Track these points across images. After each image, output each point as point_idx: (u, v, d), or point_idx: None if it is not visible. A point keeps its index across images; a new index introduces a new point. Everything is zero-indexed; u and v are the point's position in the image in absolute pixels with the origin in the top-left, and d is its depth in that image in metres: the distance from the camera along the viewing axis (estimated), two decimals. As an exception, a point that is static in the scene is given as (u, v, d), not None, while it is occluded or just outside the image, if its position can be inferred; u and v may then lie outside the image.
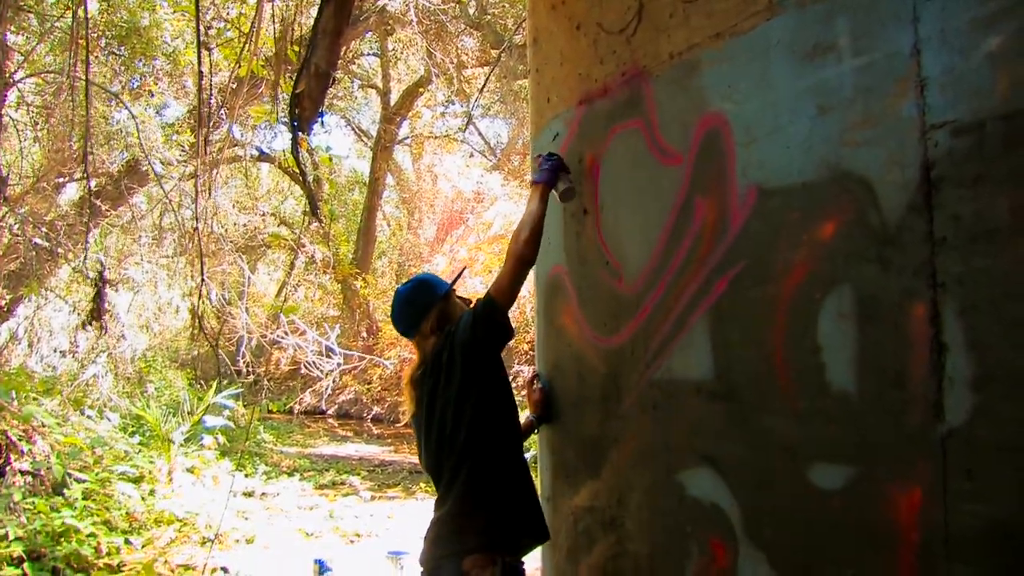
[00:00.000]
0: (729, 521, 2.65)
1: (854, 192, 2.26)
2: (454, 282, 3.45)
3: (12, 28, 11.82)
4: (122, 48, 14.05)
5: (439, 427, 3.13)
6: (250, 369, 15.37)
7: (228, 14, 13.13)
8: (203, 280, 8.83)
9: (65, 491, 7.87)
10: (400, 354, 23.17)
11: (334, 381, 17.55)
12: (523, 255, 3.07)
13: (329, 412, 22.17)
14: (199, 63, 6.96)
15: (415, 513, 10.34)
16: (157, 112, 14.98)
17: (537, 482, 3.48)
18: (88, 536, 7.26)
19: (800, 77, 2.45)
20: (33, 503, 7.36)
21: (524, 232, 3.08)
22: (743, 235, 2.62)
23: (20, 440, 7.92)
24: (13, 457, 7.69)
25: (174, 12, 13.81)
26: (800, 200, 2.43)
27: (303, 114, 4.88)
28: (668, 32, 2.99)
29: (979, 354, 1.93)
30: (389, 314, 3.44)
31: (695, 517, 2.80)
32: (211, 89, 8.62)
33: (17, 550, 6.62)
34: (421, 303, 3.32)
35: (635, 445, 3.11)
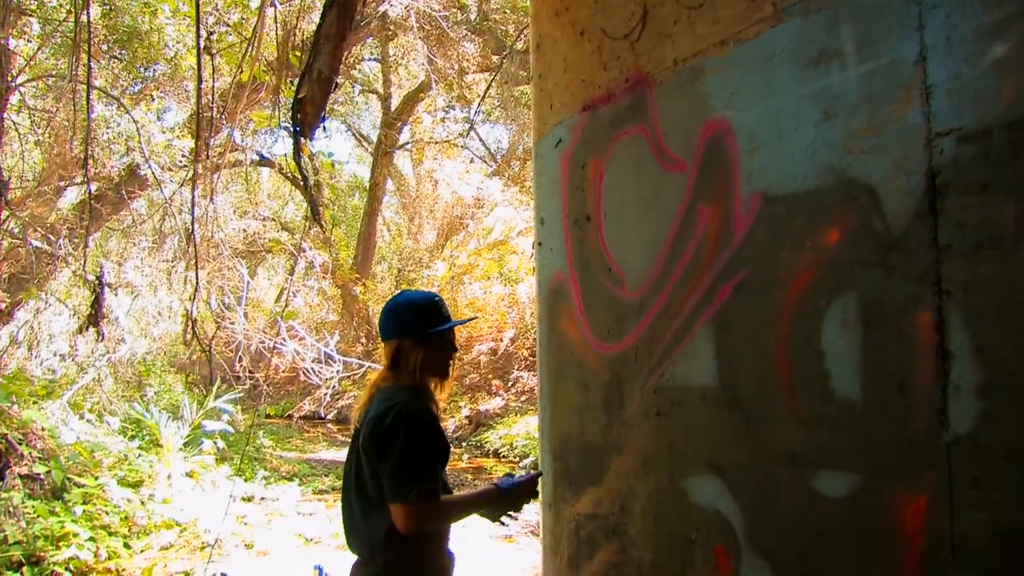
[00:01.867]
0: (733, 528, 2.64)
1: (859, 199, 2.26)
2: (439, 327, 3.08)
3: (14, 32, 11.82)
4: (123, 53, 14.06)
5: (357, 484, 2.98)
6: (249, 374, 15.36)
7: (230, 19, 13.15)
8: (197, 286, 8.83)
9: (65, 495, 7.86)
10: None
11: (333, 388, 17.52)
12: (439, 524, 2.96)
13: (328, 417, 22.15)
14: (199, 68, 6.97)
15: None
16: (158, 117, 14.98)
17: (539, 488, 3.45)
18: (87, 541, 7.24)
19: (804, 84, 2.45)
20: (32, 507, 7.34)
21: (455, 517, 3.04)
22: (747, 242, 2.62)
23: (20, 444, 7.91)
24: (12, 461, 7.68)
25: (175, 17, 13.83)
26: (804, 207, 2.43)
27: (305, 119, 4.88)
28: (672, 38, 2.99)
29: (984, 362, 1.93)
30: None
31: (699, 524, 2.79)
32: (212, 94, 8.63)
33: (16, 554, 6.61)
34: (387, 328, 3.10)
35: (638, 452, 3.11)
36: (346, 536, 3.03)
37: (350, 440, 3.09)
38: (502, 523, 3.23)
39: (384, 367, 3.08)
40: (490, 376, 20.35)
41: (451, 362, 3.17)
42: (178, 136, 13.75)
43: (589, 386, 3.43)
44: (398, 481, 2.77)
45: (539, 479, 3.16)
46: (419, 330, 3.01)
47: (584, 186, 3.46)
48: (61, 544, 7.05)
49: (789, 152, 2.49)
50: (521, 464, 13.77)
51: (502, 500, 3.05)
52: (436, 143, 26.29)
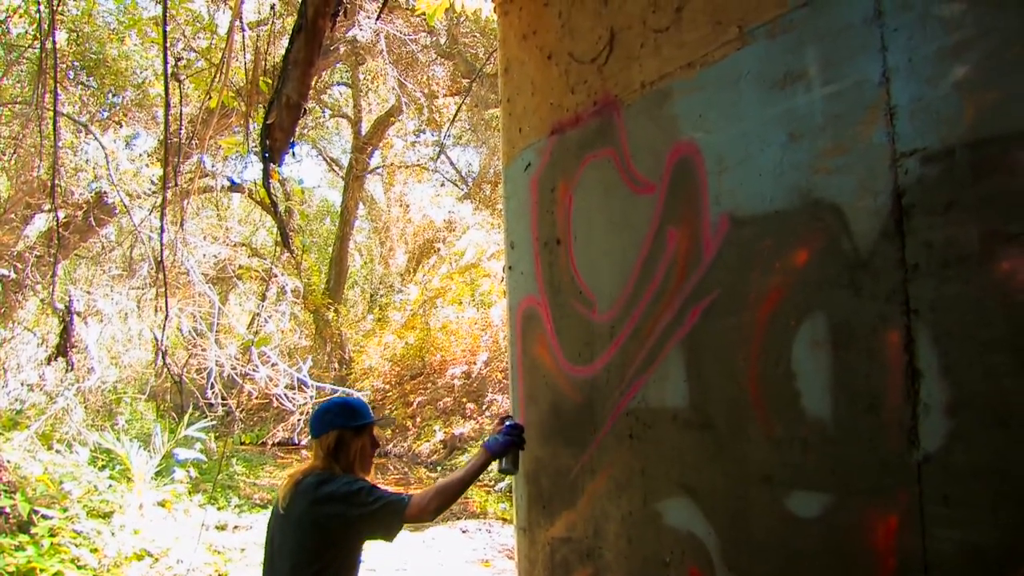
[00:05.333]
0: (707, 550, 2.63)
1: (826, 219, 2.27)
2: (370, 422, 3.49)
3: (-21, 59, 11.75)
4: (91, 79, 13.97)
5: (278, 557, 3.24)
6: (222, 401, 15.22)
7: (198, 45, 13.11)
8: (167, 314, 8.75)
9: (31, 528, 7.72)
10: (374, 384, 23.09)
11: (306, 414, 17.39)
12: (445, 505, 3.22)
13: (303, 443, 21.98)
14: (167, 94, 6.93)
15: (388, 545, 10.22)
16: (127, 143, 14.88)
17: (513, 512, 3.48)
18: (54, 575, 7.12)
19: (771, 105, 2.47)
20: (-3, 542, 7.21)
21: (456, 487, 3.23)
22: (716, 264, 2.63)
23: (-15, 477, 7.78)
24: (-22, 495, 7.55)
25: (143, 43, 13.77)
26: (772, 228, 2.44)
27: (274, 145, 4.86)
28: (640, 61, 3.01)
29: (953, 380, 1.94)
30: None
31: (673, 546, 2.78)
32: (181, 120, 8.59)
33: (-19, 591, 6.48)
34: (328, 420, 3.40)
35: (611, 474, 3.10)
36: None
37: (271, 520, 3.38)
38: (513, 465, 3.41)
39: (320, 458, 3.33)
40: (464, 399, 20.29)
41: (373, 454, 3.54)
42: (147, 164, 13.66)
43: (561, 409, 3.42)
44: (387, 509, 3.13)
45: (520, 429, 3.41)
46: (357, 421, 3.38)
47: (554, 209, 3.47)
48: (28, 580, 6.93)
49: (756, 173, 2.50)
50: (497, 487, 13.70)
51: (496, 453, 3.34)
52: (407, 167, 26.32)
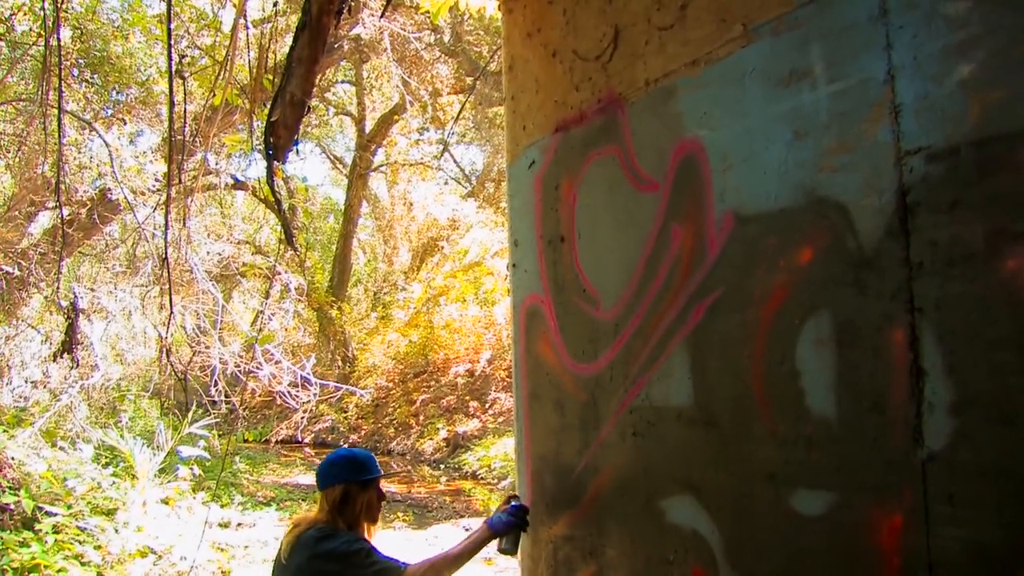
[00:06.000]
0: (711, 548, 2.63)
1: (831, 217, 2.27)
2: (377, 476, 3.55)
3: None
4: (95, 76, 13.99)
5: None
6: (225, 399, 15.24)
7: (202, 42, 13.12)
8: (172, 311, 8.75)
9: (35, 525, 7.74)
10: (377, 382, 23.11)
11: (310, 411, 17.42)
12: None
13: (306, 441, 21.99)
14: (171, 91, 6.93)
15: (392, 543, 10.24)
16: (131, 140, 14.89)
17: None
18: (58, 572, 7.14)
19: (775, 103, 2.46)
20: (1, 538, 7.23)
21: (452, 563, 3.35)
22: (721, 261, 2.63)
23: (-11, 474, 7.79)
24: (-18, 492, 7.57)
25: (147, 40, 13.78)
26: (777, 226, 2.43)
27: (278, 142, 4.86)
28: (644, 59, 3.00)
29: (958, 379, 1.93)
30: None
31: (677, 545, 2.78)
32: (185, 118, 8.59)
33: (-15, 587, 6.50)
34: (335, 474, 3.45)
35: (615, 472, 3.10)
36: None
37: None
38: (514, 546, 3.50)
39: (325, 511, 3.39)
40: (467, 398, 20.32)
41: (380, 508, 3.62)
42: (151, 160, 13.67)
43: (565, 407, 3.42)
44: None
45: (524, 511, 3.52)
46: (364, 475, 3.45)
47: (558, 207, 3.46)
48: (31, 576, 6.95)
49: (761, 171, 2.49)
50: (500, 485, 13.72)
51: (499, 531, 3.45)
52: (411, 165, 26.33)
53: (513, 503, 3.51)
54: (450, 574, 3.33)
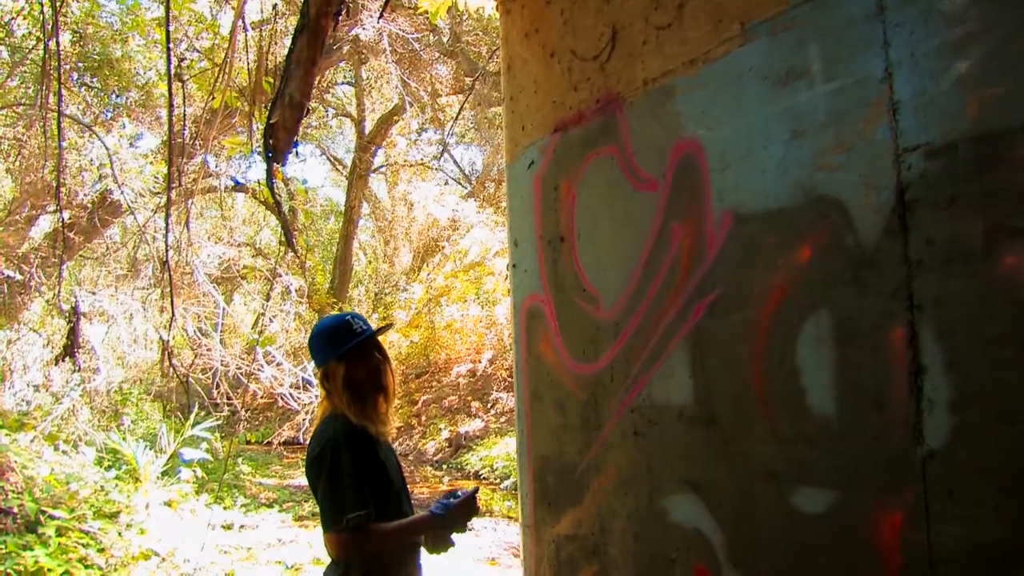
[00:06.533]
0: (712, 546, 2.63)
1: (829, 216, 2.27)
2: (353, 341, 3.28)
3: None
4: (94, 80, 14.00)
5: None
6: (227, 400, 15.25)
7: (201, 45, 13.12)
8: (173, 314, 8.77)
9: (39, 528, 7.75)
10: (378, 383, 23.03)
11: (312, 413, 17.42)
12: (375, 553, 3.06)
13: (307, 442, 21.99)
14: (170, 94, 6.94)
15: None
16: (130, 143, 14.91)
17: (518, 510, 3.46)
18: (62, 575, 7.14)
19: (773, 102, 2.47)
20: (4, 542, 7.24)
21: (391, 542, 3.12)
22: (720, 260, 2.63)
23: (-7, 478, 7.80)
24: (-15, 495, 7.57)
25: (146, 43, 13.79)
26: (776, 224, 2.44)
27: (277, 144, 4.87)
28: (642, 59, 3.01)
29: (958, 376, 1.94)
30: None
31: (679, 543, 2.78)
32: (184, 120, 8.61)
33: (-11, 591, 6.50)
34: (313, 357, 3.33)
35: (617, 472, 3.10)
36: None
37: None
38: (448, 547, 3.32)
39: (321, 395, 3.29)
40: (469, 398, 20.32)
41: (381, 372, 3.31)
42: (151, 163, 13.68)
43: (566, 407, 3.42)
44: (327, 512, 2.99)
45: (476, 495, 3.30)
46: (336, 350, 3.22)
47: (557, 207, 3.47)
48: (36, 579, 6.95)
49: (759, 170, 2.50)
50: (502, 485, 13.72)
51: (441, 523, 3.20)
52: (411, 165, 26.33)
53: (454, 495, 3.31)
54: (386, 549, 3.10)
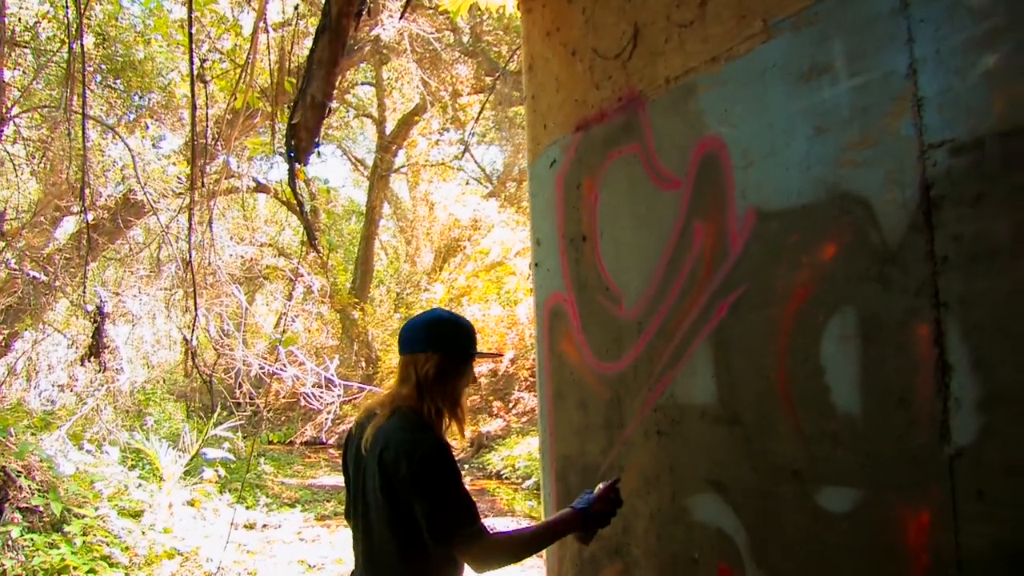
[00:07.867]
0: (736, 546, 2.62)
1: (854, 212, 2.26)
2: (476, 353, 2.76)
3: (8, 64, 11.84)
4: (118, 81, 14.10)
5: (373, 507, 2.61)
6: (249, 400, 15.32)
7: (223, 47, 13.19)
8: (196, 314, 8.81)
9: (64, 527, 7.81)
10: (400, 383, 23.06)
11: (334, 413, 17.47)
12: (510, 561, 2.62)
13: (330, 442, 22.06)
14: (193, 95, 6.98)
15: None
16: (153, 144, 15.00)
17: (540, 509, 3.44)
18: (88, 573, 7.20)
19: (796, 99, 2.45)
20: (32, 540, 7.30)
21: (532, 549, 2.65)
22: (743, 258, 2.62)
23: (18, 476, 7.86)
24: (12, 494, 7.64)
25: (169, 45, 13.87)
26: (799, 222, 2.42)
27: (300, 145, 4.89)
28: (664, 56, 3.00)
29: (985, 374, 1.92)
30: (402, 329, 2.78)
31: (702, 543, 2.77)
32: (207, 121, 8.65)
33: (16, 588, 6.56)
34: (428, 339, 2.65)
35: (640, 471, 3.09)
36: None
37: (352, 462, 2.79)
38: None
39: (409, 385, 2.64)
40: (491, 398, 20.31)
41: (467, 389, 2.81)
42: (173, 163, 13.77)
43: (589, 406, 3.41)
44: (456, 525, 2.52)
45: (615, 485, 2.77)
46: (467, 349, 2.71)
47: (579, 206, 3.46)
48: (62, 577, 7.02)
49: (783, 167, 2.48)
50: (524, 485, 13.71)
51: (585, 521, 2.68)
52: (432, 166, 26.36)
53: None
54: (526, 556, 2.64)
